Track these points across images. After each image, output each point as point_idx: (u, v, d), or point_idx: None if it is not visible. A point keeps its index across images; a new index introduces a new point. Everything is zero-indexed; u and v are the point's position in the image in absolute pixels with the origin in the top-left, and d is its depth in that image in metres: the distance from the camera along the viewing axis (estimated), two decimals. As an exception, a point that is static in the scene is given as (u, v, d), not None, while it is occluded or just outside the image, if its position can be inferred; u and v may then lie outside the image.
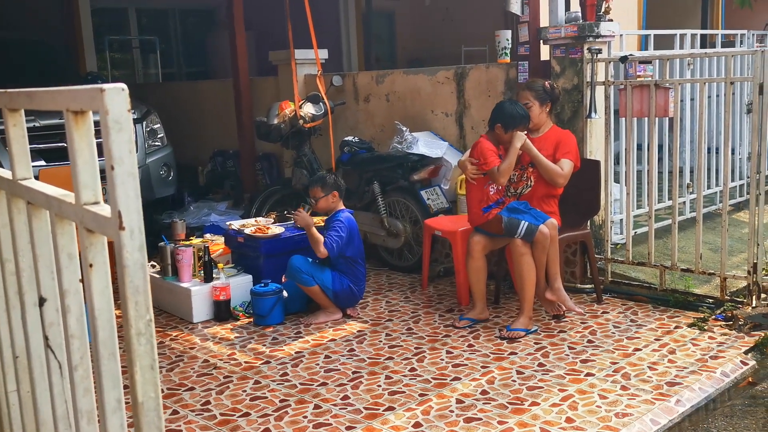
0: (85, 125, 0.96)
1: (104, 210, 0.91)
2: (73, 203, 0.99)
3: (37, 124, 5.24)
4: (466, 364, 3.82)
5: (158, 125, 6.52)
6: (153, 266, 5.15)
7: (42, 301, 1.21)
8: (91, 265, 0.96)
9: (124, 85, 0.84)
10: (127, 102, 0.83)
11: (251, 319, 4.61)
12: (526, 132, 4.34)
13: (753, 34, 6.88)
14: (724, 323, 4.23)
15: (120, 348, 1.04)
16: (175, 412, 3.41)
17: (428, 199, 5.29)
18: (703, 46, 6.72)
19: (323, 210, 4.69)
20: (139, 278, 0.86)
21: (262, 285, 4.55)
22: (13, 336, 1.42)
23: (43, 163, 5.32)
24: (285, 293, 4.57)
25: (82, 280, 1.06)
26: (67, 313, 1.11)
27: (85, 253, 0.96)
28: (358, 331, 4.39)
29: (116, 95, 0.83)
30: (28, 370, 1.34)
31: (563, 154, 4.35)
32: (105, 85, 0.83)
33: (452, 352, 3.99)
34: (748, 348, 3.91)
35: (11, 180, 1.27)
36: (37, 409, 1.33)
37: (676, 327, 4.22)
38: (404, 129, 5.54)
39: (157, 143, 6.45)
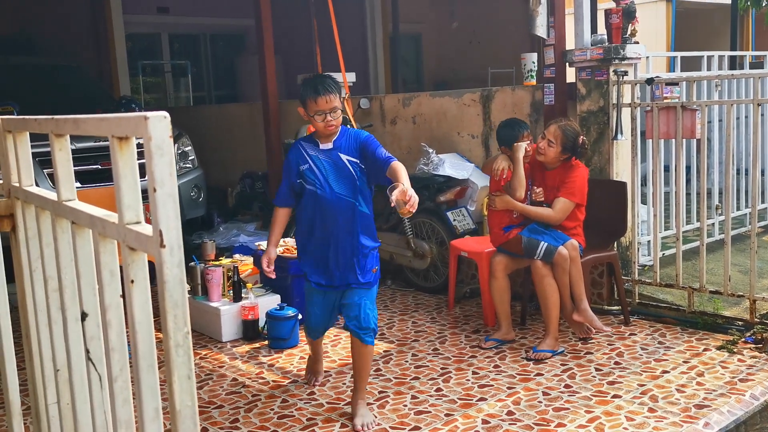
0: (128, 150, 1.02)
1: (146, 229, 0.97)
2: (116, 223, 1.05)
3: (73, 147, 5.38)
4: (492, 385, 3.83)
5: (189, 148, 6.65)
6: (183, 286, 5.24)
7: (84, 316, 1.27)
8: (132, 281, 1.02)
9: (166, 113, 0.91)
10: (168, 129, 0.89)
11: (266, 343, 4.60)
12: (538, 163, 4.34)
13: (782, 55, 6.84)
14: (753, 346, 4.19)
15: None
16: (204, 429, 3.46)
17: (454, 220, 5.33)
18: (732, 67, 6.70)
19: (336, 127, 3.36)
20: (177, 293, 0.92)
21: (278, 308, 4.59)
22: (54, 350, 1.49)
23: (78, 184, 5.46)
24: (300, 315, 4.62)
25: (122, 296, 1.12)
26: (108, 328, 1.17)
27: (127, 270, 1.02)
28: (385, 351, 4.42)
29: (159, 122, 0.89)
30: (69, 383, 1.40)
31: (562, 192, 4.23)
32: (148, 113, 0.89)
33: (478, 373, 4.00)
34: (778, 371, 3.87)
35: (56, 201, 1.35)
36: (76, 420, 1.39)
37: (704, 349, 4.20)
38: (430, 151, 5.60)
39: (188, 165, 6.57)
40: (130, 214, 1.03)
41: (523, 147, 4.23)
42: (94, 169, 5.52)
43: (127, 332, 1.11)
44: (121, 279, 1.14)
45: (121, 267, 1.13)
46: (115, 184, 1.04)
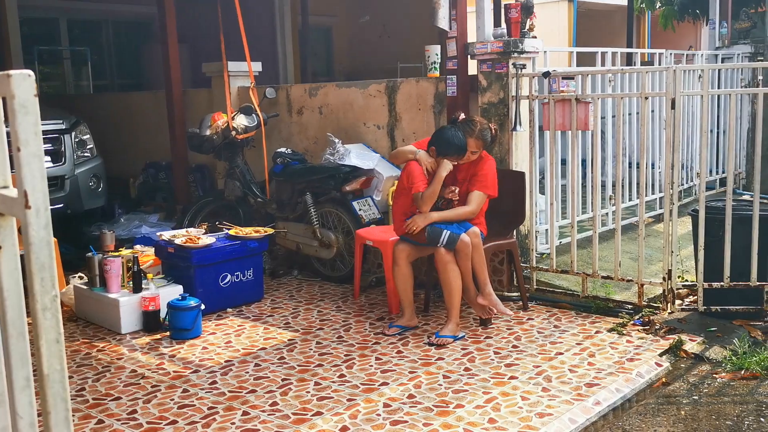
0: (-6, 112, 0.99)
1: (11, 192, 0.94)
2: (-18, 189, 1.02)
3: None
4: (395, 370, 3.89)
5: (88, 136, 6.44)
6: (81, 277, 5.07)
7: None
8: (0, 247, 0.99)
9: (30, 72, 0.89)
10: (33, 87, 0.87)
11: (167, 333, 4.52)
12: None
13: (671, 54, 7.20)
14: (641, 328, 4.42)
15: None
16: (100, 421, 3.37)
17: (360, 209, 5.37)
18: (627, 64, 7.00)
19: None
20: (44, 255, 0.90)
21: (180, 298, 4.52)
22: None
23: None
24: (203, 306, 4.56)
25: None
26: (-22, 300, 1.13)
27: (-5, 236, 1.00)
28: (289, 339, 4.42)
29: (22, 81, 0.87)
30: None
31: (475, 185, 4.37)
32: (11, 72, 0.87)
33: (381, 359, 4.06)
34: (662, 351, 4.09)
35: None
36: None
37: (596, 332, 4.39)
38: (336, 141, 5.62)
39: (86, 154, 6.36)
40: (-4, 178, 1.00)
41: (449, 167, 4.29)
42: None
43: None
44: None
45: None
46: (-20, 148, 1.01)
